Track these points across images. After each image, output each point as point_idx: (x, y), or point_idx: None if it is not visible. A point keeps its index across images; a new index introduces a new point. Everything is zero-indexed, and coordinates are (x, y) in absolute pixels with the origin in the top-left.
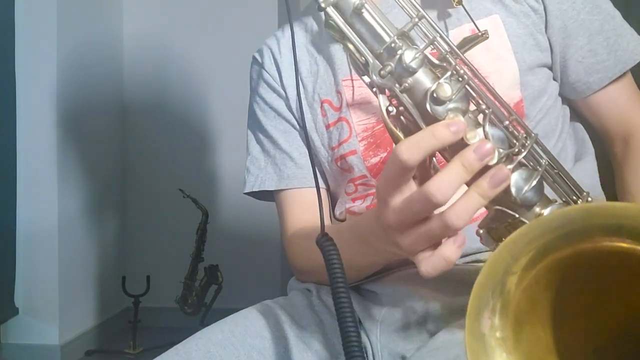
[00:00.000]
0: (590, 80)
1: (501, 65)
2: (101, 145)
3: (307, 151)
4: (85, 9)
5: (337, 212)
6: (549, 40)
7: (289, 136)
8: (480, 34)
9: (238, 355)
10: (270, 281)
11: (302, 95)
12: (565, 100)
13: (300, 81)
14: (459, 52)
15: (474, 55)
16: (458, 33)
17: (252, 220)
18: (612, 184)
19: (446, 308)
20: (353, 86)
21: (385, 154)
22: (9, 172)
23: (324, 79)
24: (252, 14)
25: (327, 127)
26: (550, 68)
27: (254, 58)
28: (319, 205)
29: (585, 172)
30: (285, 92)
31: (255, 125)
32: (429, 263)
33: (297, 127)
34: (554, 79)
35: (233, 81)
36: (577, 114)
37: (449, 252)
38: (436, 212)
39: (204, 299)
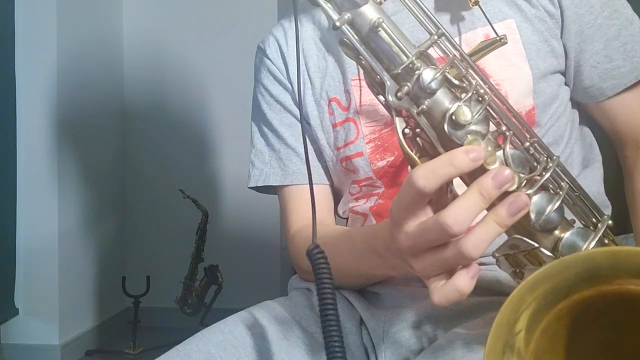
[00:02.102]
0: (604, 86)
1: (515, 72)
2: (101, 145)
3: (312, 147)
4: (85, 8)
5: (340, 211)
6: (564, 45)
7: (294, 131)
8: (498, 38)
9: (239, 357)
10: (270, 281)
11: (309, 92)
12: (575, 103)
13: (308, 76)
14: (479, 71)
15: (487, 61)
16: (471, 37)
17: (252, 220)
18: (621, 190)
19: (450, 309)
20: (361, 86)
21: (392, 158)
22: (9, 174)
23: (333, 76)
24: (252, 12)
25: (334, 126)
26: (563, 73)
27: (259, 48)
28: (313, 217)
29: (592, 180)
30: (292, 85)
31: (259, 117)
32: (442, 294)
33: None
34: (566, 84)
35: (234, 81)
36: (587, 116)
37: (463, 283)
38: None
39: (204, 299)
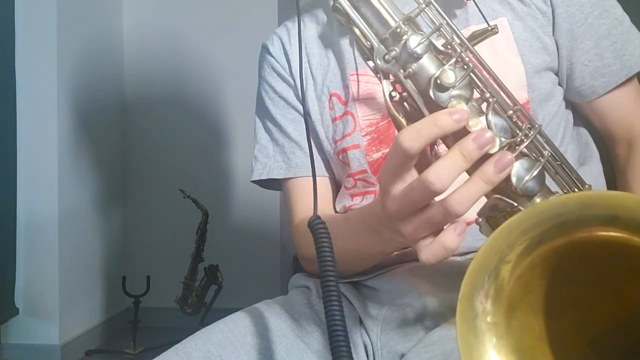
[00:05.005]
0: (595, 84)
1: (506, 67)
2: (101, 145)
3: (314, 141)
4: (85, 6)
5: (337, 207)
6: (556, 42)
7: (298, 125)
8: (490, 28)
9: (238, 355)
10: (270, 281)
11: (311, 87)
12: (569, 104)
13: (310, 73)
14: (464, 40)
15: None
16: (465, 34)
17: (252, 220)
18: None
19: (445, 305)
20: (358, 80)
21: (387, 150)
22: (10, 172)
23: (334, 72)
24: (252, 10)
25: (334, 120)
26: (556, 73)
27: (264, 47)
28: (314, 190)
29: (590, 176)
30: (294, 81)
31: (263, 113)
32: (429, 250)
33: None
34: (560, 84)
35: (235, 78)
36: (581, 117)
37: (449, 239)
38: (438, 199)
39: (204, 299)
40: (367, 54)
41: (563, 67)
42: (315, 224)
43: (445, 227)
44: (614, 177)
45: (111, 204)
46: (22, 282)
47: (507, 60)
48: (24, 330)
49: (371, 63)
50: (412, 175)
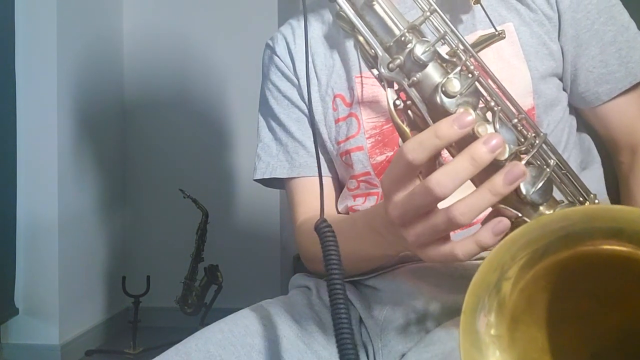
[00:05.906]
0: (599, 90)
1: (513, 72)
2: (101, 144)
3: (319, 140)
4: (85, 6)
5: (340, 207)
6: (561, 48)
7: (301, 125)
8: (497, 33)
9: (238, 355)
10: (270, 281)
11: (315, 88)
12: (573, 109)
13: (315, 73)
14: (469, 48)
15: (486, 63)
16: (472, 39)
17: (252, 220)
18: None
19: (446, 306)
20: (363, 83)
21: (391, 153)
22: (10, 172)
23: (339, 74)
24: (253, 11)
25: (337, 121)
26: (561, 78)
27: (268, 45)
28: (320, 192)
29: (592, 180)
30: (298, 81)
31: (267, 112)
32: (462, 247)
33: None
34: (564, 90)
35: (235, 79)
36: (584, 122)
37: (483, 237)
38: (442, 206)
39: (204, 299)
40: (371, 61)
41: (567, 73)
42: (322, 227)
43: (482, 226)
44: (615, 181)
45: (111, 204)
46: (22, 282)
47: (513, 66)
48: (24, 330)
49: (375, 71)
50: (415, 184)
